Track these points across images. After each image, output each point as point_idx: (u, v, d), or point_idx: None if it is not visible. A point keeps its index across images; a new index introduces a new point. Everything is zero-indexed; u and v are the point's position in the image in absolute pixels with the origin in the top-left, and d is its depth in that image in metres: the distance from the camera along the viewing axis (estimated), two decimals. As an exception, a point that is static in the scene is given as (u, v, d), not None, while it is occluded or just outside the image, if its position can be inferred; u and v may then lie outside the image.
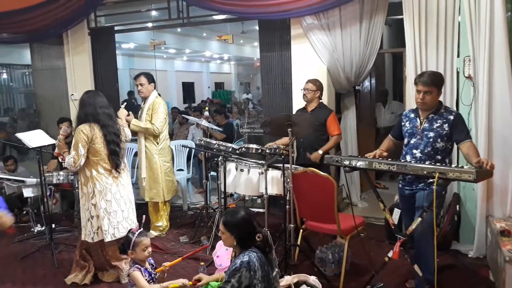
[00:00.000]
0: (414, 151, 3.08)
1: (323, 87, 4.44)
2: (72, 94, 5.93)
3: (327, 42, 4.72)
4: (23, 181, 4.73)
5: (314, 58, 4.83)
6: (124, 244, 2.75)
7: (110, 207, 3.53)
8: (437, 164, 2.89)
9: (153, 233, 4.67)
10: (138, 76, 4.56)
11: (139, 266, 2.71)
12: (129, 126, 4.26)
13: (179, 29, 10.03)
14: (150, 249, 2.76)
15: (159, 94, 4.76)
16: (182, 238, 4.55)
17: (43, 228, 4.80)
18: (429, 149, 3.02)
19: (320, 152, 4.16)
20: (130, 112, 4.49)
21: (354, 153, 5.17)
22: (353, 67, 4.73)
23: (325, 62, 4.81)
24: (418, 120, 3.11)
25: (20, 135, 4.24)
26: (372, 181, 3.31)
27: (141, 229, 2.76)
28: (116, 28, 5.95)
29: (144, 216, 2.93)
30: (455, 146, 3.11)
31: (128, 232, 2.78)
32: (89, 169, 3.51)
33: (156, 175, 4.58)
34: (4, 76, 12.34)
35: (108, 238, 3.53)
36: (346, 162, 3.07)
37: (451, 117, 3.00)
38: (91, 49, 5.90)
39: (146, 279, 2.69)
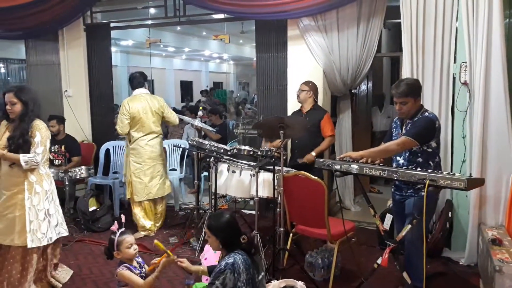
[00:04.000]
0: (398, 158, 3.13)
1: (318, 89, 4.42)
2: (66, 90, 5.87)
3: (323, 44, 4.68)
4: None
5: (310, 60, 4.79)
6: (109, 247, 2.70)
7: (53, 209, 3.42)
8: (421, 167, 2.88)
9: (141, 233, 4.62)
10: None
11: (127, 265, 2.67)
12: None
13: (178, 28, 9.99)
14: (135, 246, 2.71)
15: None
16: (172, 239, 4.51)
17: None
18: (407, 154, 3.06)
19: (314, 154, 4.13)
20: None
21: (348, 156, 5.12)
22: (350, 70, 4.69)
23: (321, 64, 4.77)
24: (400, 127, 3.15)
25: None
26: (363, 186, 3.27)
27: (122, 228, 2.72)
28: (112, 25, 5.89)
29: (123, 216, 2.84)
30: (442, 148, 3.10)
31: (111, 233, 2.73)
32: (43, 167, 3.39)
33: (128, 175, 4.63)
34: (2, 70, 12.29)
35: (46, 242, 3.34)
36: (337, 167, 3.03)
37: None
38: (86, 45, 5.84)
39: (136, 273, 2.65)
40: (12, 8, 5.36)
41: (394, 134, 3.20)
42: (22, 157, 3.17)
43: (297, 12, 4.54)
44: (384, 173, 2.81)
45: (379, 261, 2.93)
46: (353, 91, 5.58)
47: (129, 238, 2.68)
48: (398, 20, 4.18)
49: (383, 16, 4.47)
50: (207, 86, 18.25)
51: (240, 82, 19.67)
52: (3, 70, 12.40)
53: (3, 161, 3.28)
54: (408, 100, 2.98)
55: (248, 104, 12.89)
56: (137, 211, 4.66)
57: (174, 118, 4.87)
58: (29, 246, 3.21)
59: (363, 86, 6.16)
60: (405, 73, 4.10)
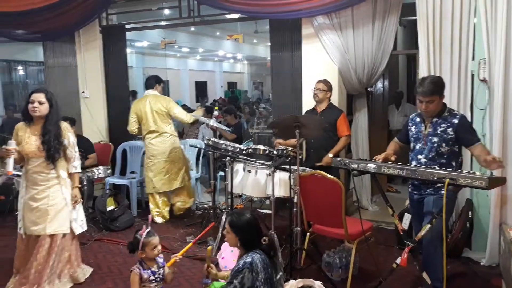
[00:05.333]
0: (419, 156, 3.05)
1: (333, 88, 4.40)
2: (83, 92, 5.95)
3: (338, 43, 4.65)
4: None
5: (325, 58, 4.76)
6: (133, 245, 2.73)
7: None
8: (444, 168, 2.82)
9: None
10: None
11: (139, 267, 2.70)
12: None
13: (192, 28, 10.04)
14: (159, 247, 2.74)
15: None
16: (189, 238, 4.52)
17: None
18: (433, 154, 2.98)
19: (330, 155, 4.11)
20: None
21: (365, 155, 5.09)
22: (365, 68, 4.64)
23: (336, 63, 4.74)
24: (423, 124, 3.06)
25: None
26: (381, 185, 3.24)
27: (149, 228, 2.75)
28: (127, 26, 5.95)
29: (150, 215, 2.91)
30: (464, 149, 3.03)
31: (136, 233, 2.76)
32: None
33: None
34: (21, 72, 12.52)
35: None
36: (355, 166, 3.01)
37: (456, 121, 2.93)
38: (102, 47, 5.91)
39: (149, 278, 2.68)
40: (31, 11, 5.44)
41: (414, 132, 3.12)
42: (76, 171, 3.55)
43: (311, 11, 4.51)
44: (403, 172, 2.79)
45: (398, 261, 2.90)
46: (369, 89, 5.53)
47: (155, 240, 2.71)
48: (414, 17, 4.13)
49: (398, 13, 4.41)
50: (221, 86, 18.32)
51: (254, 82, 19.69)
52: (22, 72, 12.63)
53: (31, 159, 3.39)
54: (435, 98, 2.91)
55: (262, 103, 12.89)
56: (150, 200, 5.07)
57: (184, 117, 5.05)
58: (77, 232, 3.56)
59: (379, 84, 6.09)
60: (422, 71, 4.04)
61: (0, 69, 10.70)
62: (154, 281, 2.72)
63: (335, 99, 4.62)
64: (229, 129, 6.14)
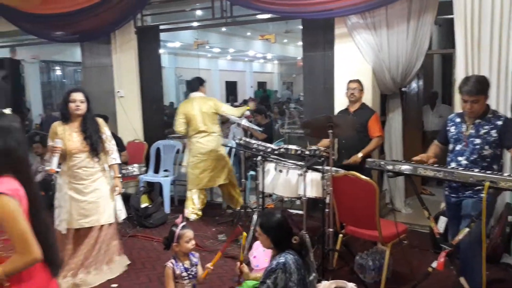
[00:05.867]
0: (459, 158, 2.94)
1: (366, 88, 4.37)
2: (118, 91, 6.10)
3: (372, 42, 4.58)
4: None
5: (358, 58, 4.70)
6: (168, 238, 2.78)
7: None
8: (485, 171, 2.73)
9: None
10: None
11: (173, 262, 2.74)
12: None
13: (223, 29, 10.11)
14: (193, 241, 2.77)
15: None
16: (220, 236, 4.57)
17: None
18: (475, 156, 2.87)
19: (360, 155, 4.06)
20: None
21: (399, 157, 4.99)
22: (400, 68, 4.56)
23: (369, 63, 4.67)
24: (464, 125, 2.96)
25: None
26: (416, 187, 3.17)
27: (184, 222, 2.79)
28: (161, 27, 6.06)
29: (186, 210, 2.96)
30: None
31: (172, 226, 2.81)
32: None
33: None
34: (58, 73, 12.95)
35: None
36: (390, 167, 2.96)
37: (500, 123, 2.83)
38: (137, 48, 6.04)
39: (181, 274, 2.72)
40: (71, 13, 5.63)
41: (454, 133, 3.02)
42: (116, 162, 3.74)
43: (344, 10, 4.47)
44: (440, 174, 2.72)
45: (434, 264, 2.84)
46: (402, 89, 5.42)
47: (189, 233, 2.75)
48: (450, 16, 4.02)
49: (435, 12, 4.31)
50: (251, 86, 18.38)
51: (284, 81, 19.64)
52: (59, 73, 13.06)
53: (74, 155, 3.53)
54: (480, 98, 2.81)
55: (292, 103, 12.83)
56: (188, 197, 5.12)
57: (233, 112, 5.23)
58: (121, 219, 3.84)
59: (414, 84, 5.97)
60: (459, 71, 3.94)
61: (39, 69, 11.09)
62: (186, 277, 2.75)
63: (368, 99, 4.56)
64: (260, 129, 6.16)
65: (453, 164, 2.95)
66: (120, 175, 3.82)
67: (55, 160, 3.39)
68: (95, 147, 3.54)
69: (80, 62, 7.01)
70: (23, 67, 7.03)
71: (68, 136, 3.51)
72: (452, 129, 3.04)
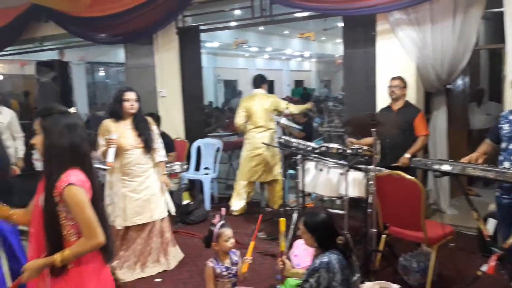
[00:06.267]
0: None
1: (410, 86, 4.24)
2: (160, 91, 6.24)
3: (415, 38, 4.46)
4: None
5: (401, 54, 4.59)
6: (208, 237, 2.82)
7: None
8: None
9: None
10: None
11: (214, 261, 2.77)
12: None
13: (261, 28, 10.15)
14: (233, 240, 2.78)
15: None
16: (260, 234, 4.59)
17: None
18: None
19: (408, 156, 3.96)
20: None
21: (443, 156, 4.83)
22: (445, 64, 4.41)
23: (413, 59, 4.55)
24: None
25: None
26: (464, 188, 3.06)
27: (223, 220, 2.81)
28: (201, 27, 6.15)
29: (223, 209, 2.97)
30: None
31: (210, 225, 2.84)
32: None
33: None
34: (102, 73, 13.41)
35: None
36: (436, 166, 2.88)
37: None
38: (179, 48, 6.15)
39: (222, 273, 2.74)
40: (117, 14, 5.82)
41: (507, 131, 2.89)
42: (163, 159, 3.87)
43: (386, 6, 4.39)
44: (490, 174, 2.62)
45: (483, 268, 2.73)
46: (447, 86, 5.25)
47: (228, 232, 2.76)
48: (499, 9, 3.85)
49: (483, 6, 4.14)
50: (288, 85, 18.31)
51: (322, 79, 19.45)
52: (102, 73, 13.52)
53: (128, 152, 3.65)
54: None
55: (330, 102, 12.69)
56: (235, 189, 5.33)
57: (295, 108, 5.38)
58: (172, 213, 4.00)
59: (459, 81, 5.75)
60: (509, 67, 3.79)
61: (85, 70, 11.53)
62: (227, 276, 2.77)
63: (412, 97, 4.44)
64: (299, 127, 6.13)
65: (505, 164, 2.83)
66: (167, 172, 3.95)
67: (112, 152, 3.46)
68: (149, 143, 3.68)
69: (123, 63, 7.24)
70: (71, 69, 7.31)
71: (121, 133, 3.61)
72: (505, 127, 2.91)
